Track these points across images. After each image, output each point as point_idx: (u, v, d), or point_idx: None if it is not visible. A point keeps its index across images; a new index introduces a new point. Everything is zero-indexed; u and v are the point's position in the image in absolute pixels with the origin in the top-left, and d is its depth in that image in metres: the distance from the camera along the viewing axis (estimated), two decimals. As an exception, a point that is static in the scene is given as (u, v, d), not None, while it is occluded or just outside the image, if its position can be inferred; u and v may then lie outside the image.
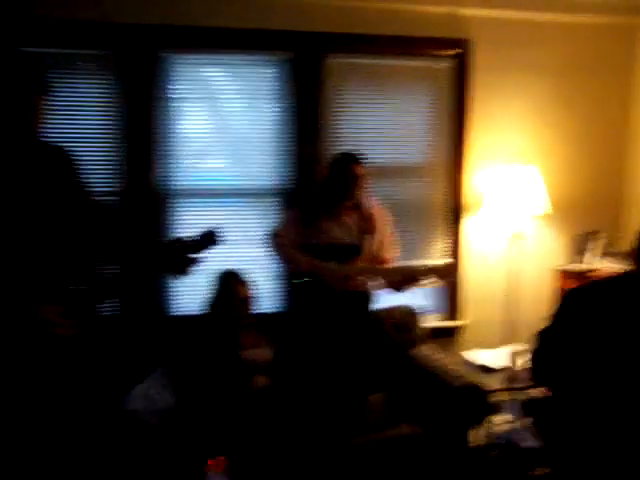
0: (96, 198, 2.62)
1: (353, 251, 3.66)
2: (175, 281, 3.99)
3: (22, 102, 2.23)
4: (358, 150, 3.74)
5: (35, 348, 2.24)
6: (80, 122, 3.87)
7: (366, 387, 3.66)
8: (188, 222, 4.02)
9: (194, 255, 2.46)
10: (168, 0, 3.89)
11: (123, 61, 3.89)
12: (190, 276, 2.51)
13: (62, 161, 2.45)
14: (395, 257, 3.78)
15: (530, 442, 3.61)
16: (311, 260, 3.59)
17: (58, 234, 2.33)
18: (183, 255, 2.45)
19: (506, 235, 4.46)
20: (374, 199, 3.81)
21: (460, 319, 4.53)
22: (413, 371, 3.83)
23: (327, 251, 3.62)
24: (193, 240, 2.44)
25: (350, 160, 3.64)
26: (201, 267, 2.51)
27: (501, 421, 3.89)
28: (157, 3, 3.87)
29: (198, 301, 3.71)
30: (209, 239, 2.45)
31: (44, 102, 2.29)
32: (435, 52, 4.33)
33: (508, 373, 3.66)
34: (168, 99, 4.00)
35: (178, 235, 2.52)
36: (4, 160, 2.25)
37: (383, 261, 3.75)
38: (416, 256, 4.38)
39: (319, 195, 3.74)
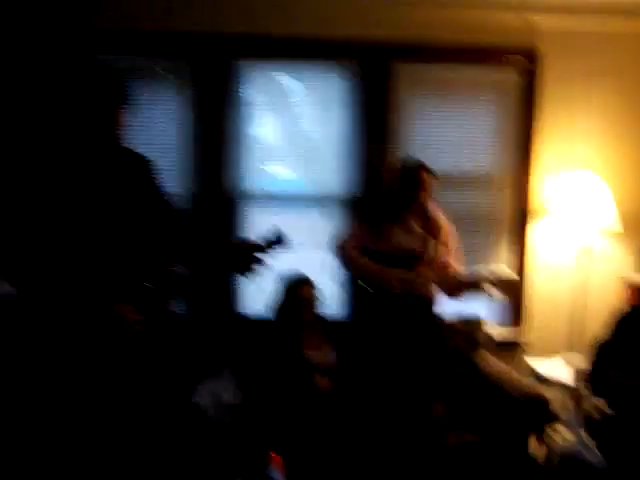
0: (171, 201, 2.72)
1: (417, 257, 3.70)
2: (243, 282, 4.11)
3: (104, 112, 2.34)
4: (425, 158, 3.78)
5: (109, 342, 2.36)
6: (157, 128, 4.06)
7: (428, 393, 3.68)
8: (258, 225, 4.14)
9: (261, 256, 2.52)
10: (241, 10, 4.04)
11: (198, 69, 4.06)
12: (257, 277, 2.58)
13: (141, 166, 2.58)
14: (459, 264, 3.80)
15: (592, 457, 3.56)
16: (376, 265, 3.65)
17: (134, 234, 2.45)
18: (250, 255, 2.51)
19: (573, 246, 4.41)
20: (439, 207, 3.84)
21: (525, 329, 4.50)
22: (475, 379, 3.82)
23: (392, 257, 3.67)
24: (260, 241, 2.51)
25: (418, 166, 3.68)
26: (269, 270, 2.58)
27: (563, 433, 3.85)
28: (230, 13, 4.03)
29: (265, 303, 3.81)
30: (276, 240, 2.51)
31: (125, 112, 2.41)
32: (504, 62, 4.32)
33: (570, 385, 3.63)
34: (241, 105, 4.14)
35: (246, 236, 2.60)
36: (86, 166, 2.38)
37: (447, 268, 3.77)
38: (481, 265, 4.37)
39: (386, 201, 3.79)
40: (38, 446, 2.50)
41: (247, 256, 2.51)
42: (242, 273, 2.56)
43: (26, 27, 3.98)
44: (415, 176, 3.64)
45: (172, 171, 4.10)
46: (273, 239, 2.51)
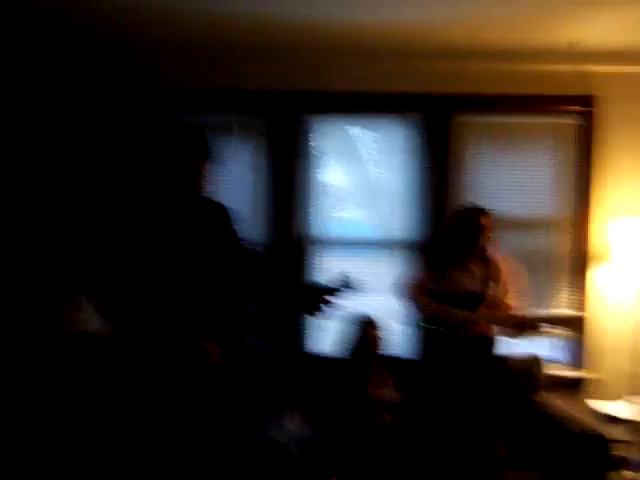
0: (247, 245, 2.92)
1: (478, 298, 3.83)
2: (312, 321, 4.32)
3: (187, 167, 2.54)
4: (488, 203, 3.93)
5: (194, 376, 2.55)
6: (235, 179, 4.38)
7: (490, 432, 3.77)
8: (328, 269, 4.37)
9: (330, 298, 2.66)
10: (310, 69, 4.33)
11: (271, 124, 4.38)
12: (326, 317, 2.73)
13: (221, 214, 2.80)
14: (520, 305, 3.90)
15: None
16: (439, 306, 3.79)
17: (215, 276, 2.66)
18: (319, 297, 2.65)
19: (635, 287, 4.43)
20: (500, 249, 3.98)
21: (586, 369, 4.51)
22: (536, 417, 3.88)
23: (454, 298, 3.81)
24: (330, 284, 2.66)
25: (476, 211, 3.85)
26: (337, 311, 2.73)
27: (627, 476, 3.83)
28: (301, 72, 4.33)
29: (334, 342, 4.01)
30: (345, 284, 2.65)
31: (208, 166, 2.60)
32: (562, 109, 4.46)
33: (635, 425, 3.63)
34: (312, 156, 4.44)
35: (316, 279, 2.76)
36: (174, 215, 2.60)
37: (508, 308, 3.88)
38: (542, 306, 4.46)
39: (448, 245, 3.95)
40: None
41: (316, 298, 2.65)
42: (311, 313, 2.70)
43: (113, 89, 4.37)
44: (474, 220, 3.80)
45: (248, 218, 4.37)
46: (341, 282, 2.64)
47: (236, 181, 4.41)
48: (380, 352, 3.84)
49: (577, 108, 4.44)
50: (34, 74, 4.28)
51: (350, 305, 3.87)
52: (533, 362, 4.22)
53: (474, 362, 3.79)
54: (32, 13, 3.60)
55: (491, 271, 3.87)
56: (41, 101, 4.30)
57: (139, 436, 2.61)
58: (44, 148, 4.27)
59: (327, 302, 2.66)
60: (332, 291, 2.65)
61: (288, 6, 3.42)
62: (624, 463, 3.78)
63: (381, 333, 3.86)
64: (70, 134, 4.31)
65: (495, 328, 3.90)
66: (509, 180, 4.50)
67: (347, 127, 4.56)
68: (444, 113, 4.42)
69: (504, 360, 4.06)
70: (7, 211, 4.05)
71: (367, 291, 4.09)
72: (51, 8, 3.49)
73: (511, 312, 3.87)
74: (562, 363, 4.54)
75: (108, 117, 4.34)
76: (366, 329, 3.83)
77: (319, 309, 2.67)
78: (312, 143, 4.47)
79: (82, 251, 3.78)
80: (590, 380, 4.50)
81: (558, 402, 4.02)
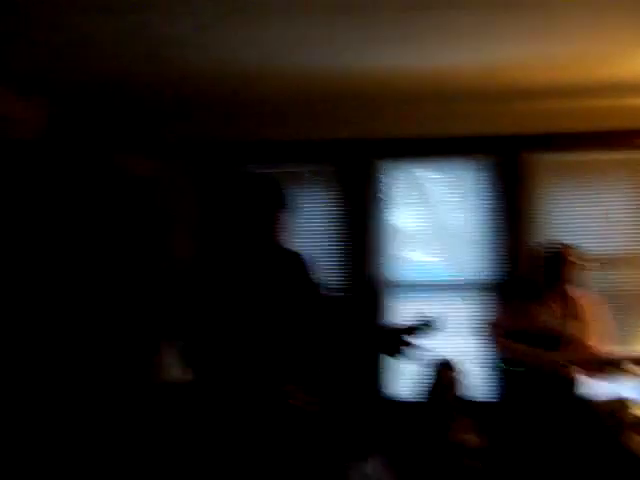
0: (325, 290, 2.98)
1: (558, 337, 3.76)
2: (391, 366, 4.33)
3: (265, 217, 2.59)
4: (565, 240, 3.90)
5: (277, 421, 2.56)
6: (303, 226, 4.49)
7: (577, 473, 3.67)
8: (404, 312, 4.35)
9: (410, 338, 2.64)
10: (379, 115, 4.42)
11: (343, 170, 4.49)
12: (406, 360, 2.73)
13: (297, 262, 2.86)
14: (604, 345, 3.82)
15: None
16: (520, 347, 3.75)
17: (295, 323, 2.69)
18: (399, 339, 2.64)
19: None
20: (583, 287, 3.92)
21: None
22: (623, 458, 3.76)
23: (534, 337, 3.76)
24: (409, 325, 2.65)
25: (562, 246, 3.81)
26: (417, 355, 2.71)
27: None
28: (369, 119, 4.42)
29: (413, 387, 4.00)
30: (426, 326, 2.64)
31: (284, 215, 2.66)
32: (635, 142, 4.36)
33: None
34: (384, 200, 4.51)
35: (395, 321, 2.77)
36: (251, 264, 2.66)
37: (590, 348, 3.80)
38: (627, 345, 4.34)
39: (527, 283, 3.92)
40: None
41: (397, 339, 2.64)
42: (392, 355, 2.69)
43: (192, 145, 4.56)
44: (559, 255, 3.76)
45: (324, 264, 4.45)
46: (421, 322, 2.63)
47: (311, 228, 4.53)
48: (461, 396, 3.80)
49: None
50: (117, 135, 4.51)
51: (428, 348, 3.89)
52: (618, 403, 4.09)
53: (557, 403, 3.71)
54: (110, 76, 3.81)
55: (572, 309, 3.81)
56: (122, 158, 4.52)
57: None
58: (129, 203, 4.46)
59: (408, 343, 2.66)
60: (412, 331, 2.64)
61: (354, 56, 3.51)
62: None
63: (460, 376, 3.82)
64: (153, 189, 4.49)
65: (577, 368, 3.82)
66: (584, 217, 4.45)
67: (418, 171, 4.62)
68: (515, 153, 4.42)
69: (588, 401, 3.96)
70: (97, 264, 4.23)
71: (444, 333, 4.12)
72: (134, 71, 3.70)
73: (593, 352, 3.79)
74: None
75: (188, 172, 4.53)
76: (444, 372, 3.81)
77: (400, 350, 2.66)
78: (384, 187, 4.53)
79: (167, 303, 3.91)
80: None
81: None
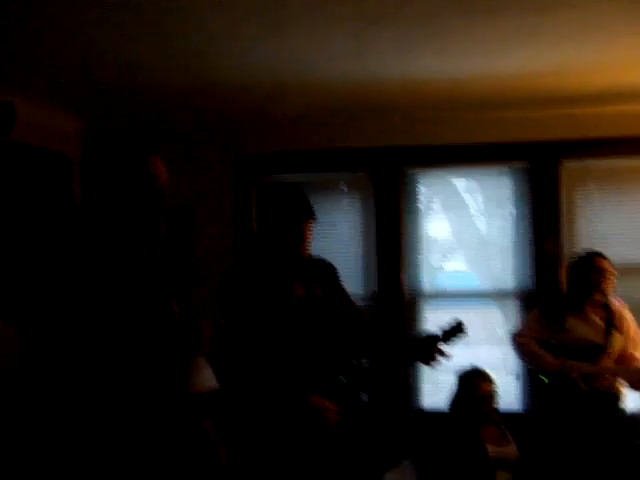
0: (354, 300, 2.96)
1: (600, 350, 3.66)
2: (422, 376, 4.27)
3: (291, 226, 2.59)
4: (598, 248, 3.81)
5: (305, 432, 2.54)
6: (337, 234, 4.49)
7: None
8: (436, 321, 4.30)
9: (444, 346, 2.60)
10: (412, 123, 4.38)
11: (376, 179, 4.46)
12: (439, 368, 2.69)
13: (327, 271, 2.85)
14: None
15: None
16: (559, 360, 3.66)
17: (325, 333, 2.67)
18: (433, 346, 2.59)
19: None
20: (619, 297, 3.81)
21: None
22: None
23: (573, 349, 3.67)
24: (442, 331, 2.60)
25: (596, 255, 3.72)
26: (447, 364, 2.70)
27: None
28: (402, 127, 4.39)
29: (444, 397, 3.93)
30: (457, 329, 2.60)
31: (312, 225, 2.66)
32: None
33: None
34: (417, 208, 4.47)
35: (429, 330, 2.74)
36: (279, 274, 2.65)
37: (633, 359, 3.69)
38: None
39: (564, 293, 3.82)
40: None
41: (430, 347, 2.60)
42: (426, 363, 2.65)
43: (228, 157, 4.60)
44: (593, 264, 3.67)
45: (358, 273, 4.45)
46: (453, 329, 2.60)
47: (344, 237, 4.51)
48: (493, 407, 3.73)
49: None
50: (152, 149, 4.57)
51: (461, 358, 3.83)
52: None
53: (599, 418, 3.60)
54: (150, 91, 3.87)
55: (614, 320, 3.71)
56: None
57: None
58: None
59: (441, 351, 2.61)
60: (445, 338, 2.60)
61: (387, 64, 3.50)
62: None
63: (493, 387, 3.74)
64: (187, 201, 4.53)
65: (620, 381, 3.71)
66: (621, 225, 4.32)
67: (453, 179, 4.57)
68: (551, 160, 4.33)
69: (632, 416, 3.85)
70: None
71: (478, 343, 4.06)
72: (168, 85, 3.74)
73: (636, 364, 3.68)
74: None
75: (226, 184, 4.56)
76: (477, 383, 3.73)
77: (434, 359, 2.62)
78: (417, 196, 4.49)
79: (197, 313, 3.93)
80: None
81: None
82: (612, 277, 3.69)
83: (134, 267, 1.74)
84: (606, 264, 3.68)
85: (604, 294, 3.69)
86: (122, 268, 1.70)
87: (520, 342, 3.82)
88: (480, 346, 4.23)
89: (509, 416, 3.97)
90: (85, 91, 3.81)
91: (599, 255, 3.71)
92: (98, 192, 1.71)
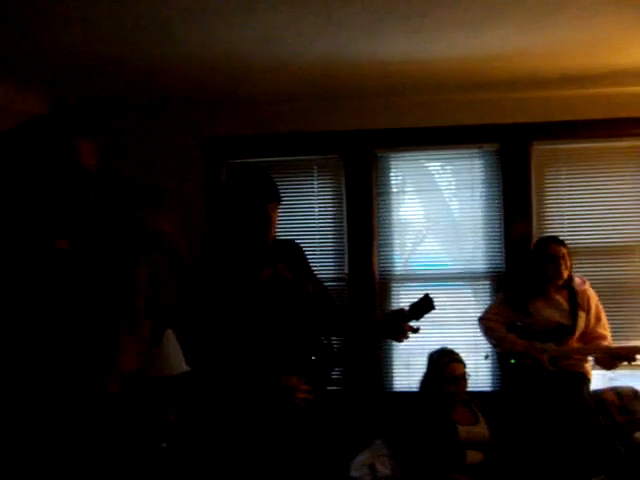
0: (324, 283, 2.94)
1: (565, 330, 3.70)
2: (397, 354, 4.31)
3: (256, 210, 2.55)
4: (564, 231, 3.85)
5: (277, 412, 2.54)
6: (309, 217, 4.50)
7: (585, 469, 3.60)
8: (406, 304, 4.31)
9: (413, 322, 2.61)
10: (381, 106, 4.38)
11: (345, 161, 4.44)
12: (409, 349, 2.71)
13: (294, 251, 2.84)
14: (608, 335, 3.77)
15: None
16: (526, 342, 3.70)
17: (294, 313, 2.66)
18: (402, 322, 2.61)
19: None
20: (583, 278, 3.86)
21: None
22: (637, 454, 3.69)
23: (540, 331, 3.71)
24: (411, 306, 2.60)
25: (549, 241, 3.77)
26: (418, 345, 2.72)
27: None
28: (370, 110, 4.38)
29: (414, 378, 3.96)
30: (426, 304, 2.59)
31: (277, 207, 2.62)
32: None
33: None
34: (386, 191, 4.46)
35: (398, 307, 2.74)
36: (247, 256, 2.63)
37: (599, 337, 3.74)
38: (630, 336, 4.25)
39: (526, 276, 3.86)
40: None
41: (399, 322, 2.62)
42: (396, 339, 2.68)
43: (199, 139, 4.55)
44: (546, 252, 3.73)
45: (326, 255, 4.45)
46: (422, 304, 2.59)
47: (310, 218, 4.50)
48: (463, 388, 3.75)
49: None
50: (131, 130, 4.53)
51: (430, 340, 3.86)
52: (631, 395, 4.02)
53: (566, 398, 3.65)
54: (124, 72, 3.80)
55: (579, 300, 3.76)
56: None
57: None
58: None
59: (411, 326, 2.63)
60: (414, 312, 2.60)
61: (357, 45, 3.47)
62: None
63: (463, 368, 3.76)
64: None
65: (588, 361, 3.76)
66: (592, 207, 4.34)
67: (424, 161, 4.56)
68: (522, 142, 4.34)
69: (600, 395, 3.90)
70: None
71: (447, 325, 4.09)
72: (132, 63, 3.67)
73: (603, 343, 3.73)
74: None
75: (196, 165, 4.52)
76: (447, 363, 3.74)
77: (403, 333, 2.64)
78: (390, 179, 4.48)
79: (168, 295, 3.89)
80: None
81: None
82: (567, 260, 3.74)
83: (53, 254, 1.65)
84: (559, 249, 3.72)
85: (561, 278, 3.74)
86: (40, 255, 1.61)
87: (486, 325, 3.86)
88: (452, 327, 4.26)
89: (480, 395, 3.99)
90: (49, 70, 3.73)
91: (552, 241, 3.77)
92: (15, 177, 1.63)
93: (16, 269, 1.54)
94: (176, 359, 3.53)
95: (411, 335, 2.64)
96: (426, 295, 2.61)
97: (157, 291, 1.68)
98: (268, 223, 2.58)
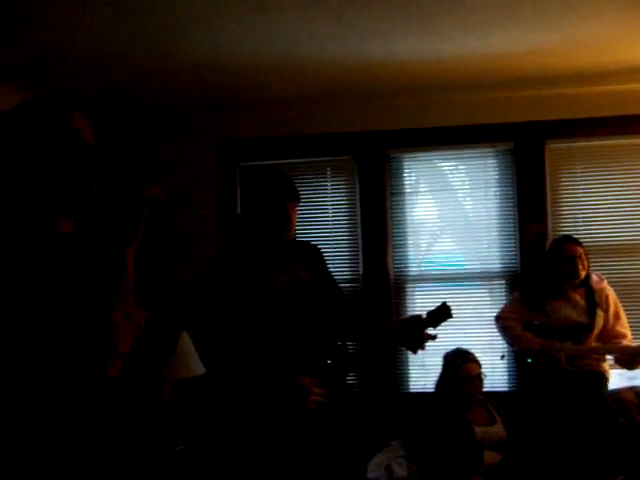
0: (340, 284, 2.93)
1: (583, 329, 3.67)
2: (410, 357, 4.28)
3: (276, 207, 2.54)
4: (579, 230, 3.82)
5: (290, 414, 2.52)
6: (323, 219, 4.50)
7: (604, 470, 3.57)
8: (421, 305, 4.32)
9: (430, 330, 2.56)
10: (394, 106, 4.37)
11: (359, 162, 4.43)
12: (425, 351, 2.68)
13: (312, 254, 2.83)
14: (629, 333, 3.73)
15: None
16: (543, 341, 3.67)
17: (311, 316, 2.63)
18: (419, 330, 2.56)
19: None
20: (600, 275, 3.83)
21: None
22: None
23: (557, 330, 3.68)
24: (428, 314, 2.56)
25: (564, 241, 3.74)
26: (433, 346, 2.68)
27: None
28: (383, 110, 4.38)
29: (430, 379, 3.95)
30: (443, 313, 2.55)
31: (296, 207, 2.61)
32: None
33: None
34: (400, 192, 4.45)
35: (414, 314, 2.72)
36: (264, 257, 2.61)
37: (619, 336, 3.71)
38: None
39: (543, 276, 3.84)
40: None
41: (416, 332, 2.57)
42: (413, 349, 2.61)
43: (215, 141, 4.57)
44: (562, 252, 3.70)
45: (340, 256, 4.45)
46: (439, 312, 2.55)
47: (325, 219, 4.51)
48: (480, 388, 3.73)
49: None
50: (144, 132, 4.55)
51: (446, 340, 3.83)
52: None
53: (584, 397, 3.62)
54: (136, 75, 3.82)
55: (597, 299, 3.73)
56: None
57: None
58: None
59: (428, 335, 2.58)
60: (431, 321, 2.56)
61: (369, 46, 3.47)
62: None
63: (479, 368, 3.75)
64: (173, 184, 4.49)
65: (606, 360, 3.73)
66: (608, 205, 4.30)
67: (438, 161, 4.55)
68: (536, 141, 4.32)
69: (619, 394, 3.86)
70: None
71: (462, 325, 4.06)
72: (145, 67, 3.69)
73: (623, 342, 3.69)
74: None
75: (210, 168, 4.53)
76: (463, 364, 3.73)
77: (421, 343, 2.58)
78: (404, 179, 4.47)
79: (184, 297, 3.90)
80: None
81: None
82: (584, 259, 3.71)
83: (55, 238, 1.57)
84: (576, 249, 3.70)
85: (578, 278, 3.71)
86: (41, 241, 1.54)
87: (503, 324, 3.84)
88: (467, 327, 4.24)
89: (496, 396, 3.98)
90: (59, 74, 3.75)
91: (569, 241, 3.74)
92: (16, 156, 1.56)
93: (17, 255, 1.48)
94: (193, 361, 3.54)
95: (427, 344, 2.58)
96: (444, 303, 2.56)
97: (154, 277, 1.64)
98: (288, 220, 2.57)
